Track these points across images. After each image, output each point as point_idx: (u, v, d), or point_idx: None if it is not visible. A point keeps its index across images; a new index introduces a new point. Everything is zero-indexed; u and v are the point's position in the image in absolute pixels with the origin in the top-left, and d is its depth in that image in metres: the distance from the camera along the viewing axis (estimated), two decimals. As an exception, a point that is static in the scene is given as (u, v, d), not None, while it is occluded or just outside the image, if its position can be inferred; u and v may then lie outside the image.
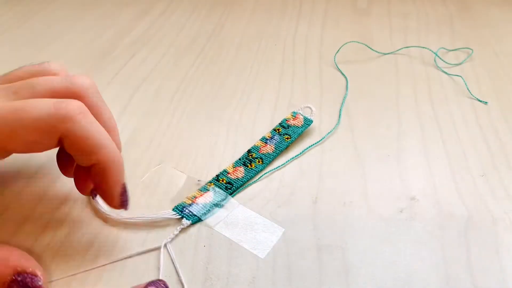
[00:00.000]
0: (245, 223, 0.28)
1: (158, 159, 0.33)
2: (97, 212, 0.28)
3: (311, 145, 0.34)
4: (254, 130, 0.35)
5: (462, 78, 0.42)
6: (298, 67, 0.44)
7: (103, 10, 0.56)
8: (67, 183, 0.30)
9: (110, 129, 0.26)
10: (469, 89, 0.41)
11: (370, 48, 0.46)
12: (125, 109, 0.38)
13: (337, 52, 0.46)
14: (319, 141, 0.34)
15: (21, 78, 0.26)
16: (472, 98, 0.40)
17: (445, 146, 0.34)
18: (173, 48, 0.48)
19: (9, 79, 0.27)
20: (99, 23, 0.53)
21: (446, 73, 0.43)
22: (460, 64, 0.45)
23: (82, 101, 0.25)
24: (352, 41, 0.47)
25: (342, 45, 0.46)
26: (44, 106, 0.23)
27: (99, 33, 0.50)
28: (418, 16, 0.55)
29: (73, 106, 0.23)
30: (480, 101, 0.39)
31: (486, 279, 0.25)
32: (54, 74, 0.27)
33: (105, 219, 0.28)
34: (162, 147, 0.34)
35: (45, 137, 0.23)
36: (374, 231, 0.27)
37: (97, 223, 0.28)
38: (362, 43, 0.47)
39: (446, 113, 0.38)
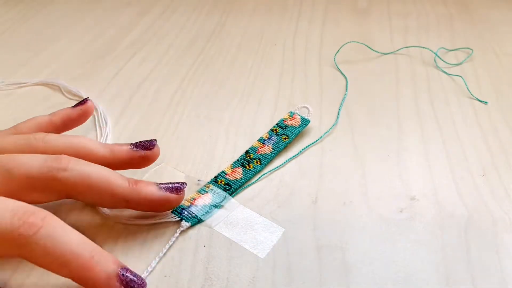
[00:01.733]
0: (245, 223, 0.28)
1: (158, 159, 0.32)
2: (97, 212, 0.28)
3: (309, 145, 0.34)
4: (254, 130, 0.35)
5: (462, 78, 0.42)
6: (298, 67, 0.44)
7: (103, 10, 0.56)
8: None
9: (112, 161, 0.27)
10: (469, 89, 0.41)
11: (370, 48, 0.46)
12: (125, 109, 0.38)
13: (337, 52, 0.46)
14: (316, 140, 0.34)
15: (5, 150, 0.26)
16: (472, 98, 0.40)
17: (445, 146, 0.34)
18: (173, 48, 0.48)
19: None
20: (99, 23, 0.53)
21: (446, 73, 0.43)
22: (460, 64, 0.45)
23: (61, 183, 0.24)
24: (352, 41, 0.47)
25: (342, 45, 0.46)
26: (2, 220, 0.21)
27: (99, 33, 0.50)
28: (418, 16, 0.55)
29: (31, 223, 0.21)
30: (480, 101, 0.39)
31: (486, 279, 0.25)
32: (39, 148, 0.27)
33: (104, 219, 0.28)
34: (162, 147, 0.34)
35: (5, 252, 0.22)
36: (374, 231, 0.27)
37: (96, 223, 0.28)
38: (362, 43, 0.47)
39: (446, 113, 0.38)
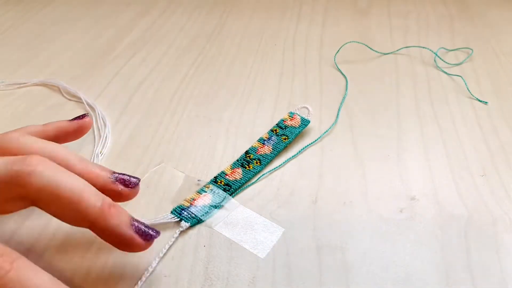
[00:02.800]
0: (245, 223, 0.28)
1: (158, 159, 0.33)
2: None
3: (308, 145, 0.34)
4: (254, 130, 0.35)
5: (462, 78, 0.42)
6: (298, 67, 0.44)
7: (103, 10, 0.56)
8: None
9: (88, 177, 0.24)
10: (469, 89, 0.41)
11: (370, 48, 0.46)
12: (125, 109, 0.38)
13: (337, 52, 0.46)
14: (316, 140, 0.34)
15: None
16: (472, 98, 0.40)
17: (445, 146, 0.34)
18: (173, 48, 0.48)
19: None
20: (99, 23, 0.53)
21: (446, 73, 0.43)
22: (460, 64, 0.45)
23: (24, 188, 0.21)
24: (352, 41, 0.47)
25: (342, 45, 0.46)
26: None
27: (99, 33, 0.50)
28: (418, 16, 0.55)
29: None
30: (480, 101, 0.39)
31: (486, 279, 0.25)
32: (12, 151, 0.24)
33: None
34: (162, 147, 0.34)
35: None
36: (374, 231, 0.27)
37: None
38: (362, 43, 0.47)
39: (446, 113, 0.38)
